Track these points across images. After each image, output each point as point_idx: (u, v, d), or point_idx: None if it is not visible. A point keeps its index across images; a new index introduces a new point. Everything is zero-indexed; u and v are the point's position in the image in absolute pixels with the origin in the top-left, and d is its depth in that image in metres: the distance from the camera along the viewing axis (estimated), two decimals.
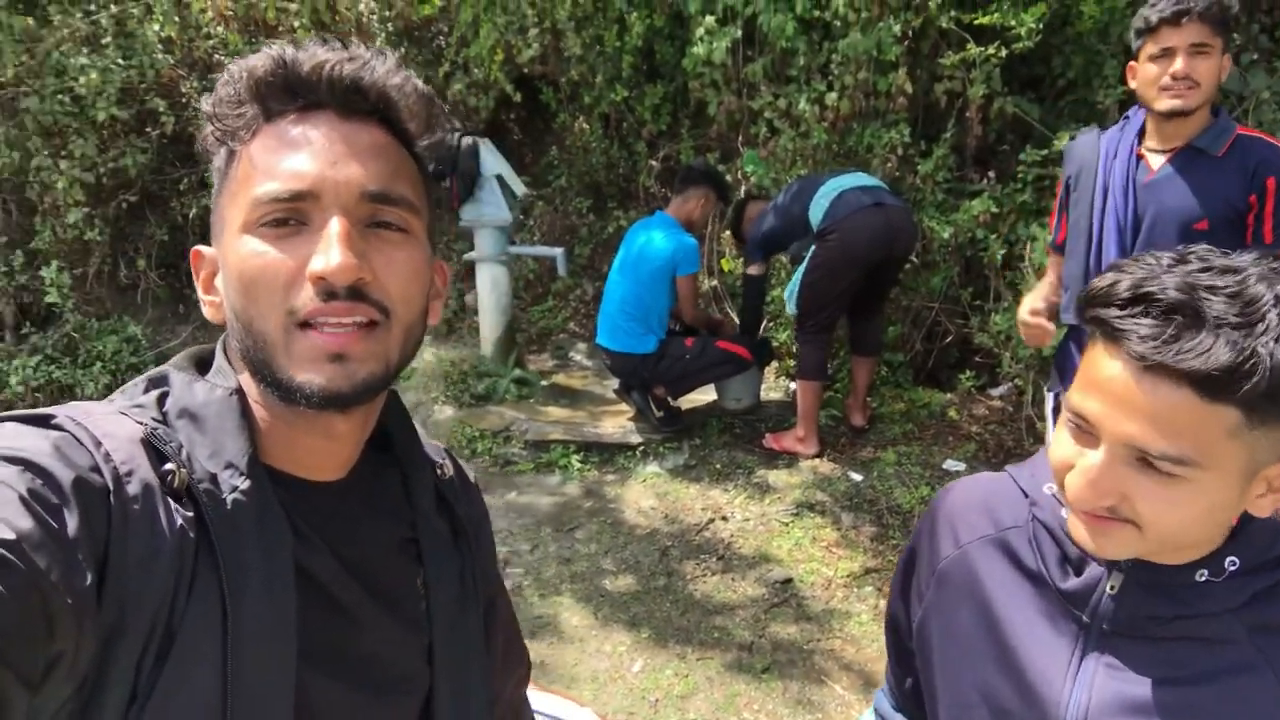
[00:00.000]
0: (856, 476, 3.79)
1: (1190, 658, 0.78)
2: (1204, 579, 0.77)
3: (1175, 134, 2.22)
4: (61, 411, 0.62)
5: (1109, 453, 0.72)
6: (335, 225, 0.64)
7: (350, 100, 0.68)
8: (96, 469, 0.58)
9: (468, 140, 4.44)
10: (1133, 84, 2.26)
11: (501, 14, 5.23)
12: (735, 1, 4.61)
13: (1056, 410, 2.56)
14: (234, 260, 0.66)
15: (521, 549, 3.42)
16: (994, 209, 4.13)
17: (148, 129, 5.44)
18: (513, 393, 4.61)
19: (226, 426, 0.66)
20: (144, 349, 5.45)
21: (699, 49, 4.69)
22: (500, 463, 4.09)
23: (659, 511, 3.66)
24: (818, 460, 3.92)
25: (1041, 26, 3.96)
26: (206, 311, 0.73)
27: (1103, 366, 0.71)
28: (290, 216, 0.65)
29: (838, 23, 4.43)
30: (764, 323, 4.55)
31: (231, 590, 0.61)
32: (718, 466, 3.96)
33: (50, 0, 5.20)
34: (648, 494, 3.79)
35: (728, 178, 4.92)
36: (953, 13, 4.22)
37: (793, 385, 4.19)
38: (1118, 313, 0.70)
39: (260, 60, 0.66)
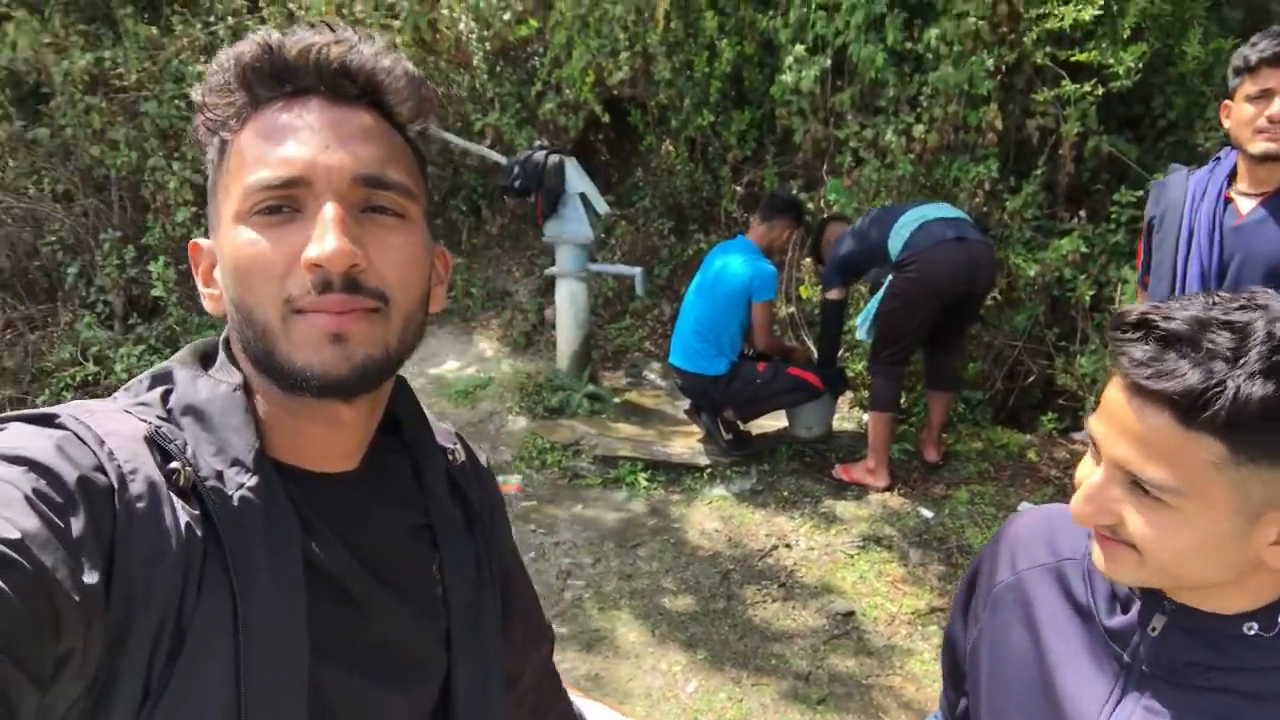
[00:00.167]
0: (927, 513, 3.72)
1: (1232, 712, 0.76)
2: (1253, 632, 0.76)
3: (1269, 178, 2.14)
4: (65, 411, 0.61)
5: (1106, 473, 0.74)
6: (329, 211, 0.63)
7: (339, 84, 0.67)
8: (100, 468, 0.58)
9: (554, 158, 4.54)
10: (1226, 124, 2.19)
11: (595, 37, 5.35)
12: (826, 31, 4.63)
13: None
14: (229, 250, 0.65)
15: (584, 562, 3.46)
16: (1084, 249, 4.04)
17: None
18: (585, 408, 4.67)
19: (231, 422, 0.65)
20: None
21: (788, 77, 4.72)
22: (569, 476, 4.14)
23: (723, 534, 3.65)
24: (887, 494, 3.87)
25: (1141, 66, 3.88)
26: (207, 304, 0.72)
27: (1109, 389, 0.74)
28: (283, 204, 0.64)
29: (929, 55, 4.41)
30: (840, 350, 4.51)
31: (241, 587, 0.61)
32: (785, 493, 3.94)
33: (173, 11, 5.53)
34: (712, 516, 3.79)
35: (810, 206, 4.92)
36: (1048, 49, 4.16)
37: (866, 416, 4.15)
38: (1119, 336, 0.72)
39: (247, 47, 0.65)
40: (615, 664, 2.87)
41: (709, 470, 4.10)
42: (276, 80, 0.66)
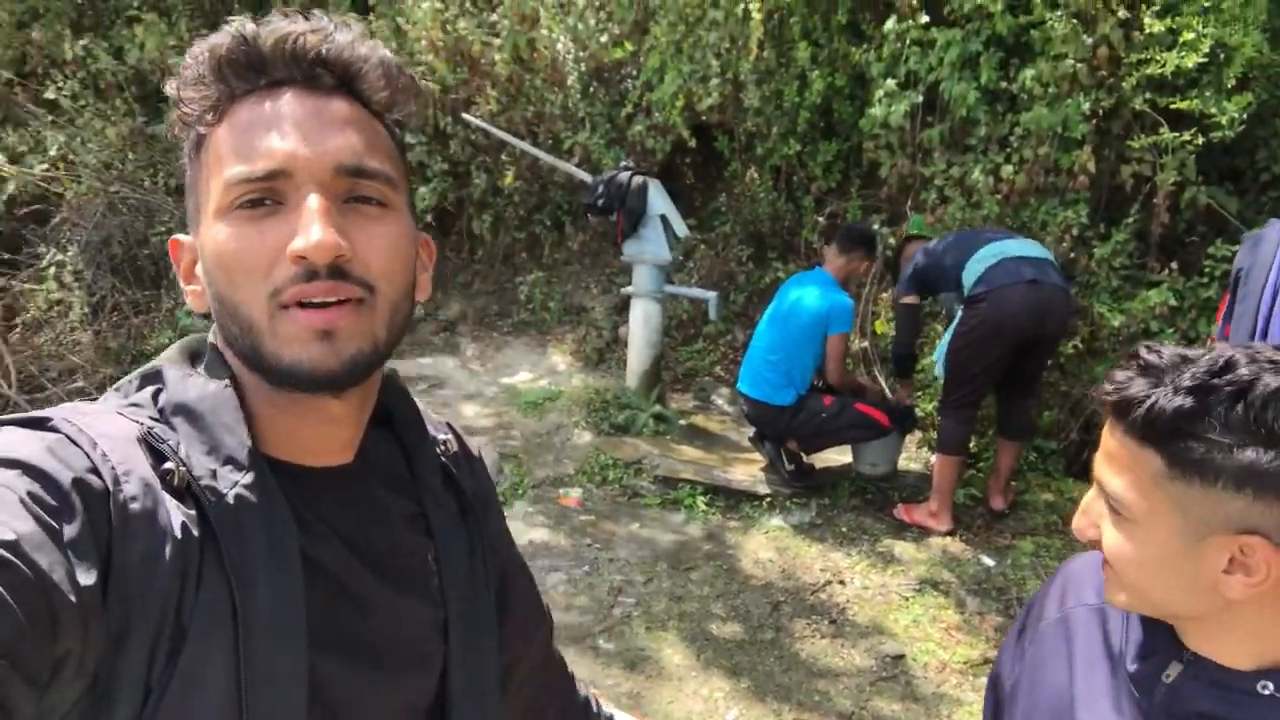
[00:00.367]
0: (988, 561, 3.64)
1: None
2: (1269, 692, 0.75)
3: None
4: (57, 414, 0.61)
5: (1094, 487, 0.80)
6: (313, 201, 0.62)
7: (315, 74, 0.66)
8: (94, 470, 0.58)
9: (638, 179, 4.62)
10: None
11: (687, 63, 5.43)
12: (919, 67, 4.60)
13: None
14: (211, 246, 0.64)
15: (636, 579, 3.49)
16: (1173, 302, 3.92)
17: None
18: (650, 427, 4.71)
19: (223, 420, 0.64)
20: None
21: (877, 110, 4.71)
22: (629, 493, 4.18)
23: (776, 565, 3.64)
24: (949, 538, 3.80)
25: (1246, 117, 3.75)
26: (189, 301, 0.71)
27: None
28: (265, 196, 0.63)
29: (1024, 95, 4.34)
30: (917, 357, 4.38)
31: (239, 584, 0.61)
32: (843, 529, 3.90)
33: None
34: (768, 546, 3.78)
35: (892, 241, 4.88)
36: (1148, 95, 4.06)
37: (933, 458, 4.08)
38: (1119, 365, 0.77)
39: (222, 38, 0.64)
40: (657, 685, 2.88)
41: (768, 499, 4.09)
42: (253, 72, 0.65)
